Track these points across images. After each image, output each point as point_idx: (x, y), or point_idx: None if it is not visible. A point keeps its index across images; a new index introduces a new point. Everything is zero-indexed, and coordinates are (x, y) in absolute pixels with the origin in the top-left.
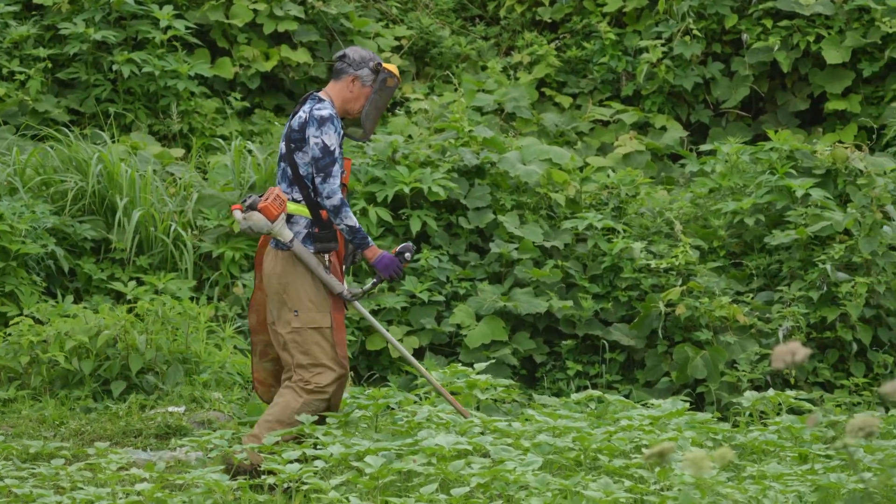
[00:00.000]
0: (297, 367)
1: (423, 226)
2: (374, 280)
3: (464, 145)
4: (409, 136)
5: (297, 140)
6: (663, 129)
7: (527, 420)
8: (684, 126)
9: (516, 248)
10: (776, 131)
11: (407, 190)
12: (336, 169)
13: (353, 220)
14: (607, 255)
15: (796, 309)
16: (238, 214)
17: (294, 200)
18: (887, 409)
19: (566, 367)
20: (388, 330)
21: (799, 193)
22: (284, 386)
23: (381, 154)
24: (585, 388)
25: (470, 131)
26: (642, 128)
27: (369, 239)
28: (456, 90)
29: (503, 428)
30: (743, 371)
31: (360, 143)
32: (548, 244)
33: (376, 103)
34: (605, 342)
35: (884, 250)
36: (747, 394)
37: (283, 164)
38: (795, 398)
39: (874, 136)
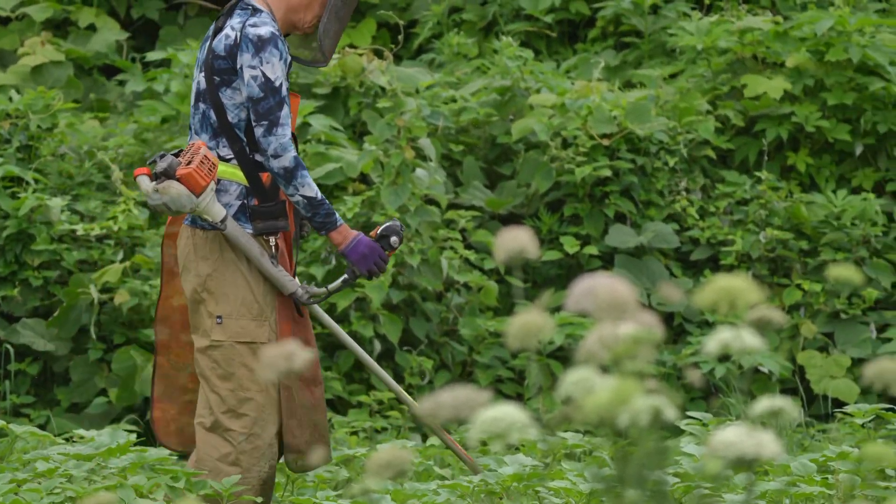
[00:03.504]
0: (214, 402)
1: None
2: (346, 276)
3: None
4: None
5: (222, 71)
6: (91, 28)
7: None
8: (123, 25)
9: None
10: None
11: None
12: (285, 113)
13: (313, 189)
14: (11, 218)
15: None
16: (147, 184)
17: (222, 159)
18: (425, 438)
19: None
20: None
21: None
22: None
23: None
24: None
25: None
26: (60, 27)
27: (337, 216)
28: None
29: None
30: None
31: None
32: None
33: (337, 11)
34: (9, 347)
35: (417, 204)
36: None
37: (202, 106)
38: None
39: (400, 37)
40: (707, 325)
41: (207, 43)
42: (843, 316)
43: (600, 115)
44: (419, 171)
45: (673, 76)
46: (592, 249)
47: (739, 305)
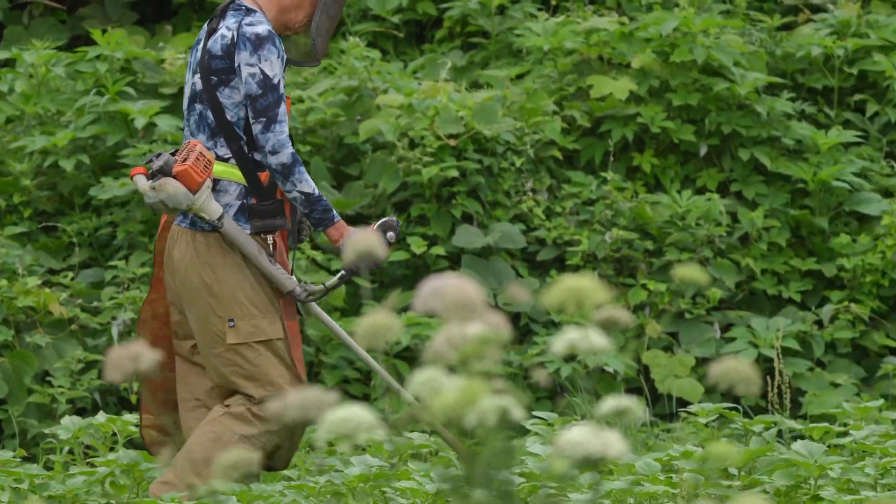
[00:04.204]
0: (245, 398)
1: None
2: (343, 272)
3: None
4: None
5: (220, 70)
6: None
7: None
8: None
9: None
10: (104, 31)
11: None
12: (282, 111)
13: (310, 185)
14: None
15: (138, 293)
16: (143, 183)
17: (220, 159)
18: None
19: None
20: None
21: (140, 123)
22: (218, 414)
23: None
24: None
25: None
26: None
27: (334, 212)
28: None
29: None
30: (60, 387)
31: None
32: None
33: (328, 9)
34: None
35: None
36: (66, 420)
37: (198, 107)
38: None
39: None
40: (553, 325)
41: (200, 45)
42: (687, 316)
43: (447, 116)
44: None
45: (519, 77)
46: (439, 250)
47: (586, 305)
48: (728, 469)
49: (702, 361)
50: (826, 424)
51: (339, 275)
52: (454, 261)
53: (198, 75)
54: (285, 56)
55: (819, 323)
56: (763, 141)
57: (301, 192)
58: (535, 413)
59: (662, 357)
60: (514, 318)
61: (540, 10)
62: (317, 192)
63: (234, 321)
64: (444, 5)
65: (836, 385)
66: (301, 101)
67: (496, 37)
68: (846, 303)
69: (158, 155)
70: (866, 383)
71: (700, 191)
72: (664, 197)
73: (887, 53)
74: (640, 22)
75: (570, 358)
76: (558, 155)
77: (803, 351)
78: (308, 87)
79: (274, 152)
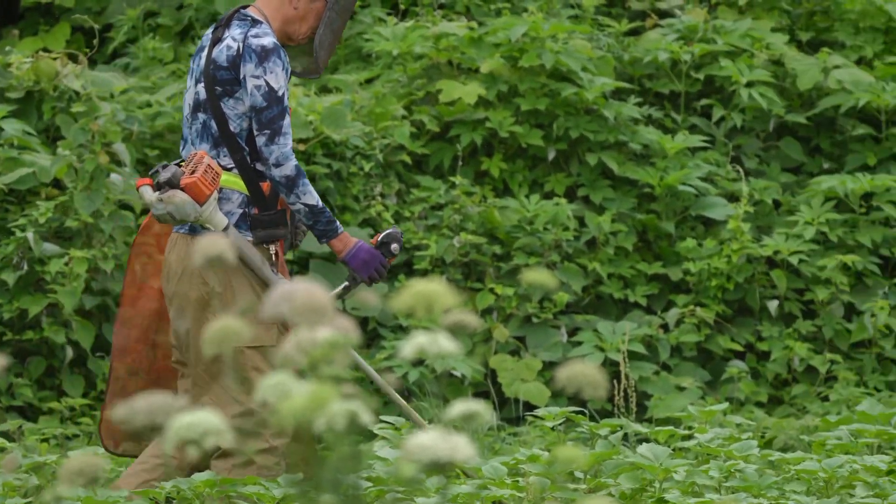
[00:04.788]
0: (228, 403)
1: None
2: (347, 282)
3: None
4: None
5: (224, 81)
6: None
7: None
8: None
9: None
10: None
11: None
12: (286, 123)
13: (314, 197)
14: None
15: None
16: (150, 195)
17: (223, 168)
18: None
19: None
20: None
21: None
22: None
23: None
24: None
25: None
26: None
27: (338, 223)
28: None
29: None
30: None
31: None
32: None
33: (332, 23)
34: None
35: (111, 210)
36: None
37: (201, 116)
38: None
39: (95, 42)
40: (401, 330)
41: (204, 53)
42: (534, 320)
43: (296, 120)
44: (113, 176)
45: (369, 81)
46: (287, 254)
47: (434, 310)
48: (574, 472)
49: (549, 365)
50: (671, 428)
51: (343, 285)
52: (302, 265)
53: (201, 84)
54: (290, 68)
55: (665, 327)
56: (610, 145)
57: (305, 205)
58: (383, 417)
59: (509, 361)
60: (363, 322)
61: (389, 14)
62: (320, 203)
63: None
64: None
65: (681, 388)
66: (149, 105)
67: (345, 41)
68: (691, 307)
69: (165, 166)
70: (711, 387)
71: (548, 195)
72: (512, 201)
73: (733, 59)
74: (490, 27)
75: (419, 362)
76: (407, 159)
77: (649, 354)
78: (156, 91)
79: (278, 164)
